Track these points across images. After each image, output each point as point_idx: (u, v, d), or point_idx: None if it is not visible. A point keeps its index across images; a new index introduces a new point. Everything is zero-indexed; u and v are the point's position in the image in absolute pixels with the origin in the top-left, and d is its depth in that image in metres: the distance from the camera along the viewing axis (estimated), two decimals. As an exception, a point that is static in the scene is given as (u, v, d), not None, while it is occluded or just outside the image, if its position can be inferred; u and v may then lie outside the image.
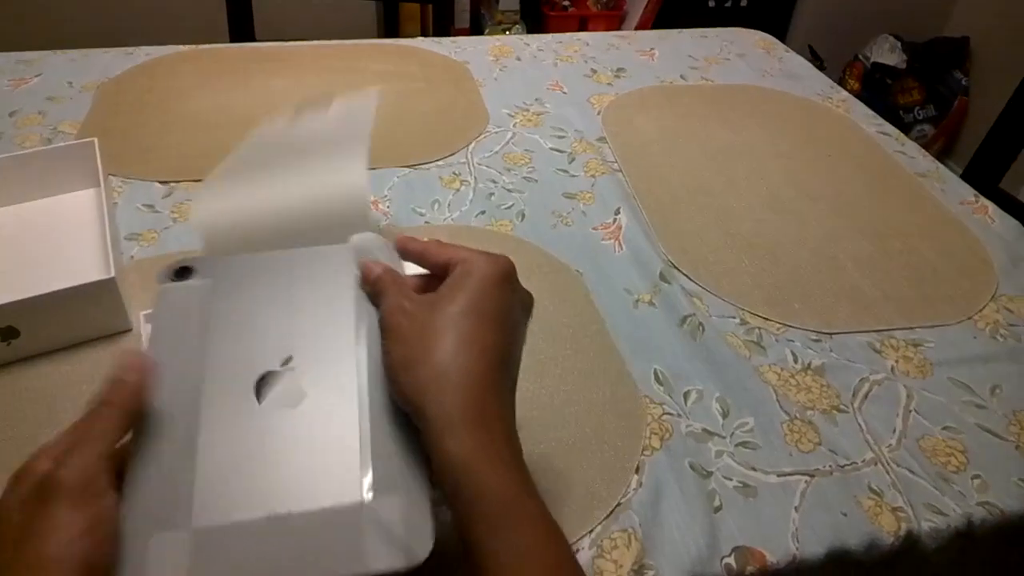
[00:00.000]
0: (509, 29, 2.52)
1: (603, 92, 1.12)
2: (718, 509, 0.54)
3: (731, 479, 0.56)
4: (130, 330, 0.64)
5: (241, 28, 1.61)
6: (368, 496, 0.39)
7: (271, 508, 0.38)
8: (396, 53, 1.20)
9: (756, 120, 1.07)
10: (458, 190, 0.87)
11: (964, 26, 2.45)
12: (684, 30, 1.38)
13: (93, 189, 0.80)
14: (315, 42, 1.22)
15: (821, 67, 1.32)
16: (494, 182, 0.89)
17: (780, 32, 2.48)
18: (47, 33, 2.10)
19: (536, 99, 1.09)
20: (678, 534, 0.52)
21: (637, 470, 0.56)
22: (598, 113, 1.06)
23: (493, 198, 0.86)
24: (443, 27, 1.66)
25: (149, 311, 0.59)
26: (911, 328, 0.72)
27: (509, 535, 0.35)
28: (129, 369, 0.39)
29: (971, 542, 0.55)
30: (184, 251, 0.73)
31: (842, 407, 0.63)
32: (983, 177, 1.77)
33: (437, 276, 0.44)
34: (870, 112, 1.13)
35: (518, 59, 1.22)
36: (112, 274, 0.60)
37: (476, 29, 2.54)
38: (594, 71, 1.19)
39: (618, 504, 0.54)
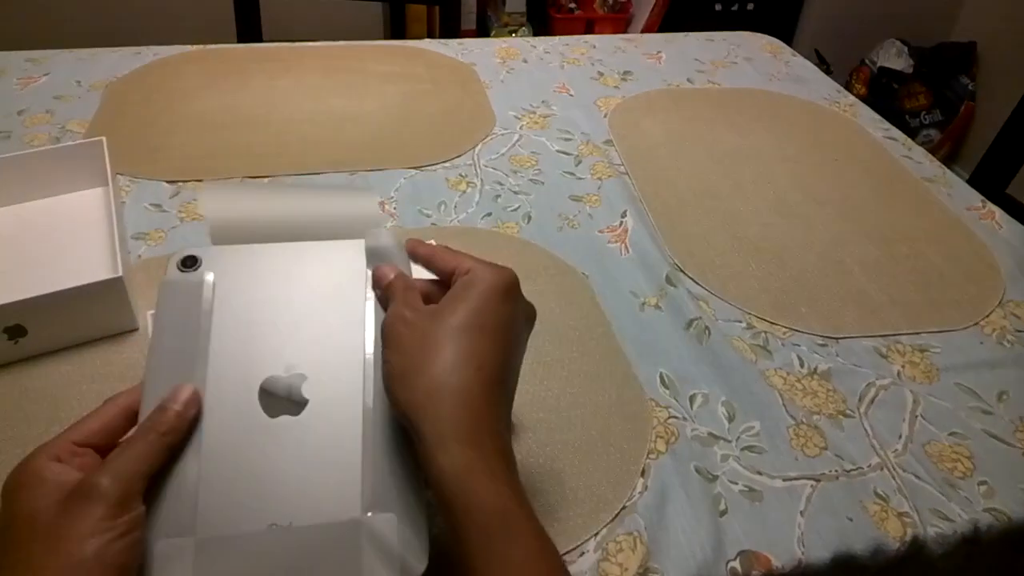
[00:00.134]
0: (515, 31, 2.52)
1: (610, 95, 1.12)
2: (723, 513, 0.54)
3: (737, 483, 0.56)
4: (137, 329, 0.64)
5: (248, 28, 1.61)
6: (366, 512, 0.39)
7: (272, 519, 0.38)
8: (403, 54, 1.20)
9: (763, 124, 1.07)
10: (464, 192, 0.87)
11: (971, 31, 2.45)
12: (691, 33, 1.38)
13: (101, 188, 0.80)
14: (322, 43, 1.22)
15: (827, 71, 1.31)
16: (500, 184, 0.89)
17: (787, 36, 2.48)
18: (55, 32, 2.11)
19: (543, 101, 1.09)
20: (683, 538, 0.52)
21: (643, 473, 0.56)
22: (605, 116, 1.06)
23: (499, 200, 0.86)
24: (450, 29, 1.66)
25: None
26: (917, 333, 0.71)
27: (501, 549, 0.35)
28: (177, 401, 0.39)
29: (977, 548, 0.55)
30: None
31: (848, 412, 0.63)
32: (990, 182, 1.76)
33: (444, 283, 0.45)
34: (877, 116, 1.13)
35: (525, 61, 1.22)
36: (120, 273, 0.60)
37: (482, 30, 2.54)
38: (601, 74, 1.19)
39: (623, 507, 0.53)
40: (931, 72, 2.40)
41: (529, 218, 0.83)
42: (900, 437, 0.61)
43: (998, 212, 0.91)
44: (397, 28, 2.39)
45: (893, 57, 2.40)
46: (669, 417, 0.61)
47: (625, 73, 1.20)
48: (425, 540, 0.39)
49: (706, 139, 1.02)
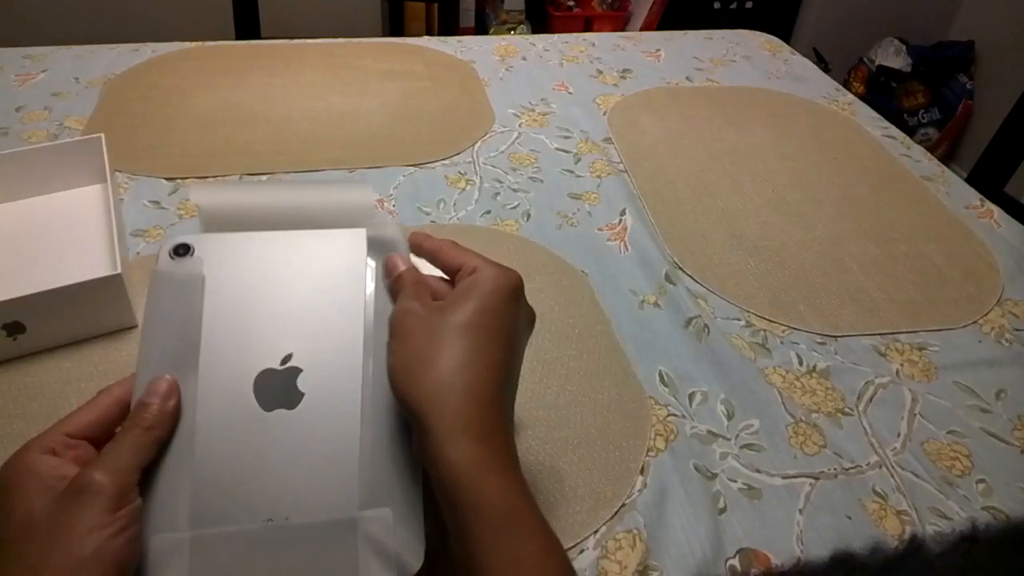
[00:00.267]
0: (514, 29, 2.52)
1: (609, 93, 1.12)
2: (723, 511, 0.54)
3: (736, 481, 0.56)
4: (135, 326, 0.64)
5: (247, 26, 1.61)
6: (362, 508, 0.39)
7: (267, 514, 0.38)
8: (402, 52, 1.20)
9: (762, 122, 1.07)
10: (463, 189, 0.87)
11: (969, 30, 2.45)
12: (690, 31, 1.38)
13: (99, 185, 0.80)
14: (321, 40, 1.22)
15: (826, 70, 1.31)
16: (500, 182, 0.89)
17: (785, 34, 2.48)
18: (53, 29, 2.10)
19: (542, 99, 1.09)
20: (683, 535, 0.52)
21: (642, 471, 0.56)
22: (604, 114, 1.06)
23: (499, 198, 0.86)
24: (448, 26, 1.66)
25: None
26: (916, 332, 0.72)
27: (509, 547, 0.35)
28: (156, 394, 0.39)
29: (975, 546, 0.55)
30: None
31: (847, 410, 0.63)
32: (988, 181, 1.76)
33: (447, 278, 0.44)
34: (875, 115, 1.13)
35: (524, 59, 1.22)
36: (118, 270, 0.60)
37: (481, 28, 2.54)
38: (600, 72, 1.19)
39: (623, 505, 0.54)
40: (929, 71, 2.40)
41: (528, 216, 0.83)
42: (899, 435, 0.61)
43: (997, 211, 0.92)
44: (395, 26, 2.39)
45: (891, 56, 2.40)
46: (668, 415, 0.61)
47: (624, 71, 1.20)
48: (421, 537, 0.39)
49: (705, 137, 1.02)
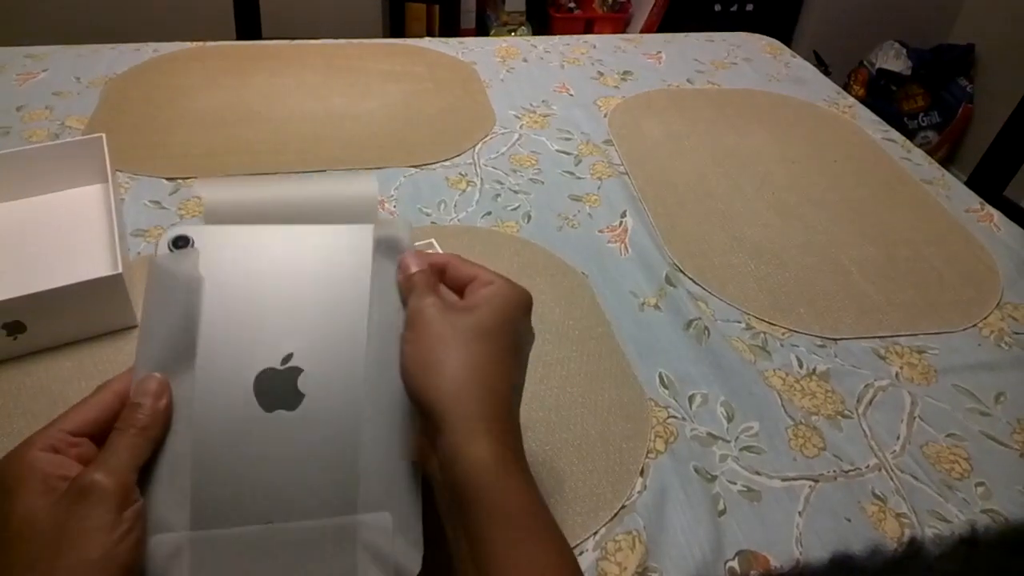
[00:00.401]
0: (515, 30, 2.52)
1: (610, 95, 1.12)
2: (722, 513, 0.54)
3: (735, 483, 0.56)
4: (136, 326, 0.64)
5: (248, 26, 1.61)
6: (361, 512, 0.38)
7: (267, 516, 0.38)
8: (403, 53, 1.20)
9: (763, 125, 1.07)
10: (464, 191, 0.87)
11: (969, 33, 2.45)
12: (691, 34, 1.38)
13: (100, 185, 0.80)
14: (322, 41, 1.22)
15: (826, 73, 1.32)
16: (500, 183, 0.89)
17: (785, 37, 2.48)
18: (54, 28, 2.11)
19: (543, 101, 1.09)
20: (682, 537, 0.52)
21: (642, 473, 0.56)
22: (605, 116, 1.06)
23: (499, 199, 0.86)
24: (449, 28, 1.66)
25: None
26: (916, 335, 0.72)
27: (529, 547, 0.35)
28: (146, 394, 0.38)
29: (975, 549, 0.55)
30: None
31: (847, 413, 0.63)
32: (987, 185, 1.76)
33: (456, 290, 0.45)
34: (876, 118, 1.13)
35: (525, 61, 1.22)
36: (119, 270, 0.60)
37: (482, 30, 2.54)
38: (601, 74, 1.19)
39: (623, 506, 0.54)
40: (929, 74, 2.41)
41: (529, 217, 0.83)
42: (898, 438, 0.61)
43: (996, 214, 0.92)
44: (396, 27, 2.39)
45: (891, 59, 2.41)
46: (668, 417, 0.61)
47: (625, 73, 1.20)
48: (419, 542, 0.39)
49: (706, 140, 1.02)
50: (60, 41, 1.15)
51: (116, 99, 1.00)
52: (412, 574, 0.38)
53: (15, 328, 0.58)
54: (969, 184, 0.98)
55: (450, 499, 0.37)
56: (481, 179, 0.89)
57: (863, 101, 1.18)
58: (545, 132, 1.01)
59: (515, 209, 0.84)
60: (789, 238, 0.83)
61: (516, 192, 0.87)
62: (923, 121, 2.43)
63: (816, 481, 0.57)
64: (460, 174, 0.90)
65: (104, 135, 0.78)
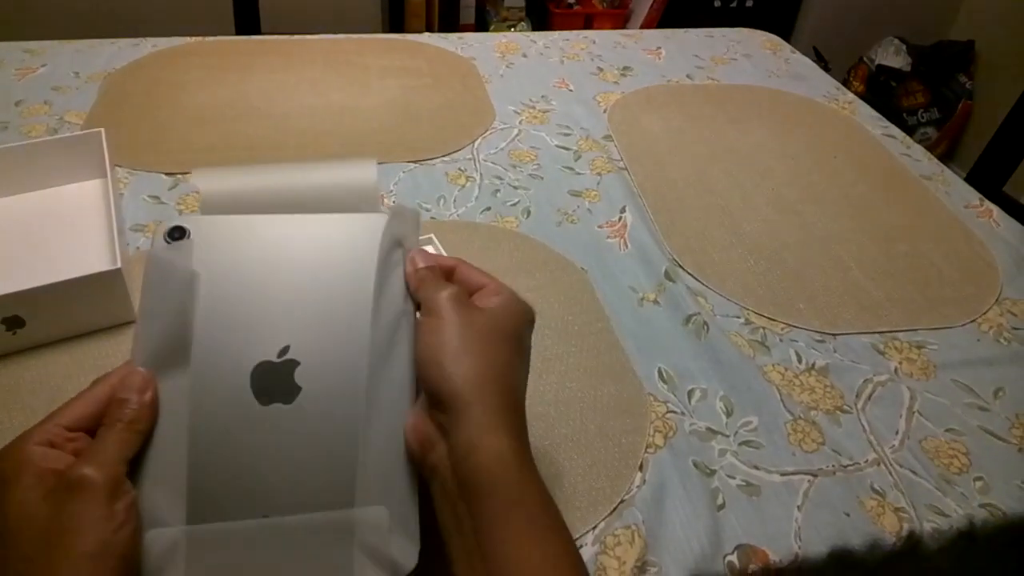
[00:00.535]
0: (514, 26, 2.52)
1: (609, 90, 1.12)
2: (721, 507, 0.54)
3: (734, 478, 0.56)
4: (134, 321, 0.64)
5: (247, 21, 1.61)
6: (358, 507, 0.38)
7: (263, 510, 0.37)
8: (403, 48, 1.20)
9: (762, 121, 1.07)
10: (464, 186, 0.87)
11: (969, 30, 2.45)
12: (690, 30, 1.38)
13: (99, 180, 0.80)
14: (322, 36, 1.22)
15: (826, 69, 1.31)
16: (500, 179, 0.89)
17: (785, 33, 2.48)
18: (53, 23, 2.10)
19: (542, 96, 1.09)
20: (681, 531, 0.52)
21: (641, 467, 0.56)
22: (604, 111, 1.06)
23: (499, 195, 0.86)
24: (449, 23, 1.66)
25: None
26: (915, 330, 0.72)
27: (543, 541, 0.35)
28: (130, 389, 0.38)
29: (973, 543, 0.55)
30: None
31: (846, 407, 0.63)
32: (987, 181, 1.76)
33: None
34: (876, 114, 1.13)
35: (524, 56, 1.22)
36: (118, 265, 0.60)
37: (481, 25, 2.53)
38: (600, 69, 1.19)
39: (622, 501, 0.54)
40: (929, 70, 2.40)
41: (528, 213, 0.83)
42: (897, 433, 0.61)
43: (996, 210, 0.92)
44: (395, 22, 2.38)
45: (891, 55, 2.40)
46: (667, 412, 0.61)
47: (624, 69, 1.20)
48: (416, 537, 0.39)
49: (705, 135, 1.02)
50: (59, 36, 1.15)
51: (115, 94, 1.00)
52: (408, 569, 0.38)
53: (14, 323, 0.58)
54: (969, 180, 0.98)
55: (458, 490, 0.37)
56: (480, 174, 0.89)
57: (863, 97, 1.18)
58: (544, 128, 1.01)
59: (514, 204, 0.84)
60: (788, 234, 0.83)
61: (515, 187, 0.87)
62: (922, 117, 2.43)
63: (815, 476, 0.57)
64: (459, 169, 0.90)
65: (103, 130, 0.78)
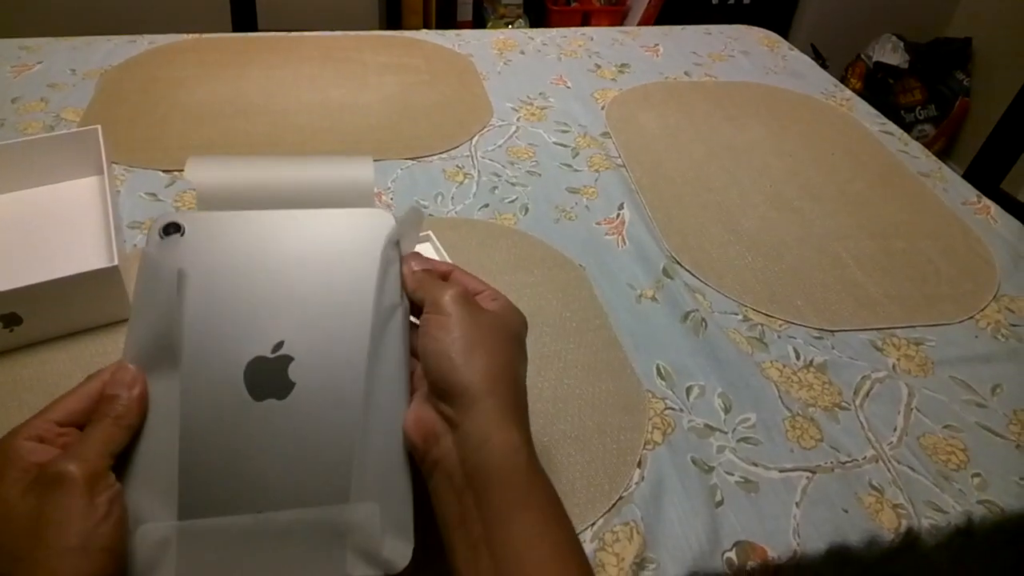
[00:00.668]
0: (512, 23, 2.51)
1: (607, 87, 1.12)
2: (719, 504, 0.54)
3: (733, 474, 0.56)
4: (133, 318, 0.64)
5: (244, 18, 1.60)
6: (352, 503, 0.38)
7: (256, 505, 0.37)
8: (400, 45, 1.20)
9: (760, 118, 1.07)
10: (461, 183, 0.87)
11: (967, 27, 2.45)
12: (688, 26, 1.38)
13: (96, 177, 0.79)
14: (319, 33, 1.21)
15: (823, 66, 1.31)
16: (497, 176, 0.88)
17: (783, 30, 2.48)
18: (49, 20, 2.09)
19: (540, 93, 1.09)
20: (680, 528, 0.52)
21: (639, 464, 0.56)
22: (602, 108, 1.06)
23: (496, 192, 0.86)
24: (446, 20, 1.65)
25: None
26: (913, 327, 0.72)
27: (553, 534, 0.36)
28: (120, 385, 0.38)
29: (970, 540, 0.56)
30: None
31: (844, 404, 0.63)
32: (984, 178, 1.77)
33: None
34: (873, 111, 1.13)
35: (522, 53, 1.21)
36: (115, 262, 0.60)
37: (478, 22, 2.53)
38: (598, 66, 1.19)
39: (620, 497, 0.54)
40: (926, 68, 2.40)
41: (526, 210, 0.83)
42: (895, 429, 0.61)
43: (993, 207, 0.92)
44: (393, 19, 2.38)
45: (889, 52, 2.40)
46: (666, 408, 0.61)
47: (622, 66, 1.20)
48: (410, 535, 0.39)
49: (703, 132, 1.02)
50: (55, 33, 1.14)
51: (112, 91, 0.99)
52: (399, 567, 0.38)
53: (11, 320, 0.58)
54: (966, 177, 0.98)
55: (465, 481, 0.37)
56: (478, 171, 0.89)
57: (860, 94, 1.18)
58: (542, 124, 1.00)
59: (512, 201, 0.84)
60: (786, 230, 0.83)
61: (513, 184, 0.87)
62: (920, 114, 2.43)
63: (813, 472, 0.57)
64: (457, 166, 0.90)
65: (100, 127, 0.78)
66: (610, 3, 2.54)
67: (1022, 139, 1.76)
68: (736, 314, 0.71)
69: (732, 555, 0.51)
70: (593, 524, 0.52)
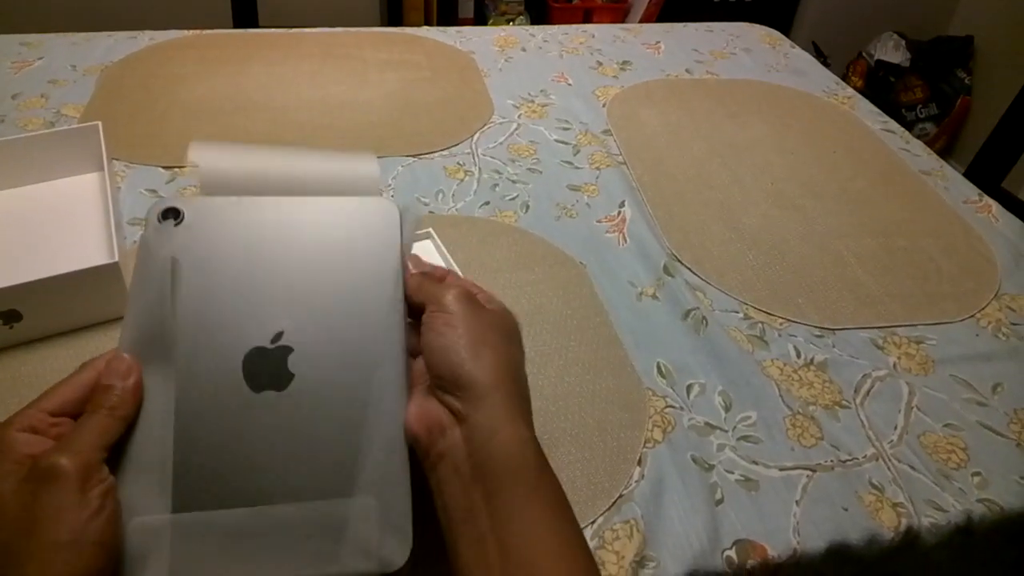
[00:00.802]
0: (513, 20, 2.51)
1: (608, 84, 1.12)
2: (720, 502, 0.54)
3: (733, 472, 0.56)
4: (133, 315, 0.64)
5: (244, 14, 1.60)
6: (349, 498, 0.38)
7: (252, 498, 0.37)
8: (402, 42, 1.19)
9: (761, 116, 1.07)
10: (462, 180, 0.86)
11: (968, 25, 2.45)
12: (690, 24, 1.38)
13: (96, 173, 0.79)
14: (320, 29, 1.21)
15: (825, 64, 1.31)
16: (498, 173, 0.88)
17: (784, 28, 2.47)
18: (50, 16, 2.09)
19: (541, 90, 1.08)
20: (680, 526, 0.52)
21: (639, 462, 0.56)
22: (603, 105, 1.06)
23: (497, 189, 0.85)
24: (447, 17, 1.65)
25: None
26: (914, 325, 0.72)
27: (561, 528, 0.36)
28: (115, 375, 0.38)
29: (970, 538, 0.56)
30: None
31: (844, 403, 0.63)
32: (985, 176, 1.77)
33: None
34: (875, 109, 1.13)
35: (523, 50, 1.21)
36: (115, 259, 0.60)
37: (480, 19, 2.53)
38: (600, 63, 1.19)
39: (620, 495, 0.54)
40: (928, 66, 2.40)
41: (527, 207, 0.83)
42: (895, 428, 0.61)
43: (995, 206, 0.92)
44: (394, 16, 2.38)
45: (890, 50, 2.40)
46: (666, 406, 0.61)
47: (624, 63, 1.19)
48: (408, 532, 0.38)
49: (704, 130, 1.01)
50: (55, 29, 1.14)
51: (112, 87, 0.99)
52: (398, 564, 0.37)
53: (11, 317, 0.58)
54: (967, 175, 0.98)
55: (473, 474, 0.37)
56: (479, 168, 0.89)
57: (861, 92, 1.18)
58: (543, 122, 1.00)
59: (513, 199, 0.84)
60: (787, 228, 0.83)
61: (514, 182, 0.87)
62: (921, 113, 2.43)
63: (813, 471, 0.57)
64: (458, 163, 0.90)
65: (100, 123, 0.78)
66: (612, 0, 2.54)
67: (1023, 137, 1.76)
68: (737, 312, 0.71)
69: (732, 553, 0.51)
70: (593, 522, 0.52)
